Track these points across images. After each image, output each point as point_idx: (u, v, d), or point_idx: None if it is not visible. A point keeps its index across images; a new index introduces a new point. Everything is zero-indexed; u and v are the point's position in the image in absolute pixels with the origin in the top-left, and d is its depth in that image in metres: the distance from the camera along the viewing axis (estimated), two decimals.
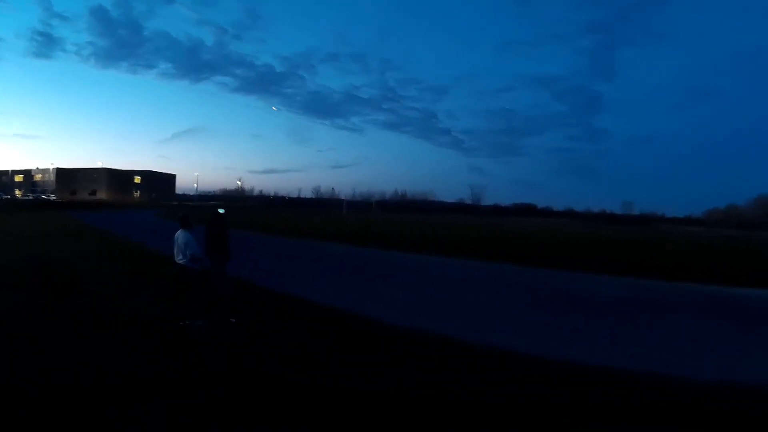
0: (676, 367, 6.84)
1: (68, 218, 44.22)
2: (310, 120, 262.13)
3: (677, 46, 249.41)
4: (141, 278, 12.15)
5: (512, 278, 15.55)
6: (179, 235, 8.47)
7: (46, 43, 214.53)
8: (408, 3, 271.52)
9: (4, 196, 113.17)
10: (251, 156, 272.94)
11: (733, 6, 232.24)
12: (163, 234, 22.36)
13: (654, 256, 24.43)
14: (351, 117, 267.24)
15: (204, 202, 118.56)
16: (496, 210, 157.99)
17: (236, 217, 51.41)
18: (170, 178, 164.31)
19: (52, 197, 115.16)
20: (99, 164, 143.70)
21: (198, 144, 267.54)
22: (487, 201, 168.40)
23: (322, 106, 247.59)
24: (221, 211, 9.42)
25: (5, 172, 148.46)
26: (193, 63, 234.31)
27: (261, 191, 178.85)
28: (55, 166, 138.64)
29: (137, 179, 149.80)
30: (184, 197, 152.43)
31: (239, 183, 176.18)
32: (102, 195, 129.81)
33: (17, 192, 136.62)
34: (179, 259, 8.45)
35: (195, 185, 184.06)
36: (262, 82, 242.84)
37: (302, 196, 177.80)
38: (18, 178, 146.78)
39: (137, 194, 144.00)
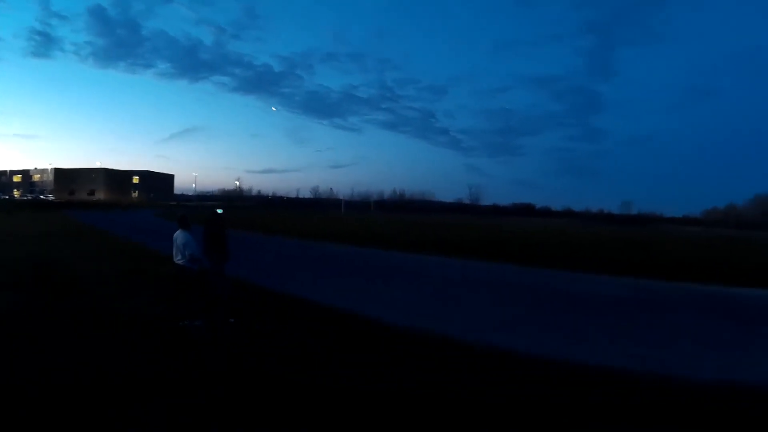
0: (676, 367, 6.84)
1: (67, 218, 44.21)
2: (308, 120, 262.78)
3: (676, 46, 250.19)
4: (140, 278, 12.13)
5: (512, 278, 15.54)
6: (178, 235, 8.46)
7: (44, 43, 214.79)
8: (406, 3, 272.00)
9: (3, 197, 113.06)
10: (250, 156, 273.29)
11: (732, 6, 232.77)
12: (161, 234, 22.37)
13: (653, 256, 24.44)
14: (349, 117, 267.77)
15: (202, 203, 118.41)
16: (495, 210, 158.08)
17: (235, 217, 51.41)
18: (169, 178, 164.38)
19: (51, 197, 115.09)
20: (97, 164, 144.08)
21: (196, 144, 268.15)
22: (486, 201, 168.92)
23: (320, 106, 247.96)
24: (220, 211, 9.41)
25: (4, 173, 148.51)
26: (191, 62, 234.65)
27: (259, 191, 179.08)
28: (54, 167, 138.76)
29: (135, 179, 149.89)
30: (183, 197, 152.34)
31: (238, 183, 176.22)
32: (100, 195, 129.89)
33: (16, 192, 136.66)
34: (178, 259, 8.44)
35: (193, 185, 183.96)
36: (260, 82, 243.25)
37: (301, 196, 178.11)
38: (16, 179, 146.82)
39: (136, 194, 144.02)
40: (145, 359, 6.32)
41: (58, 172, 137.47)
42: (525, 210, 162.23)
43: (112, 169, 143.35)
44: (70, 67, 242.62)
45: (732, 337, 8.91)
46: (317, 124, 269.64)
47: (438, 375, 6.20)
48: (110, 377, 5.62)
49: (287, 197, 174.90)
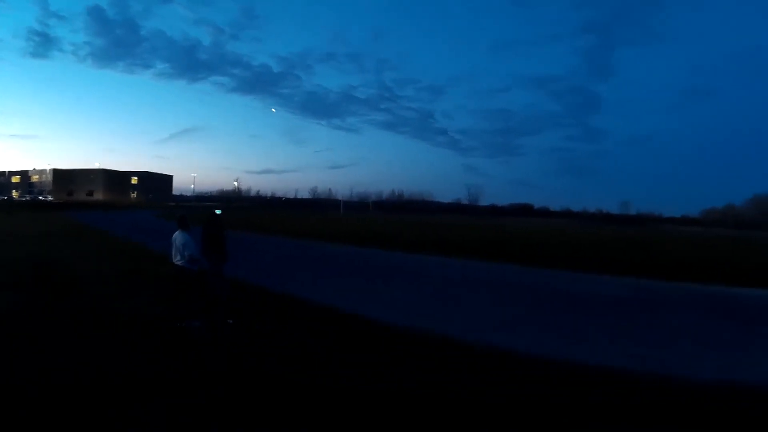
0: (676, 368, 6.84)
1: (65, 219, 44.16)
2: (306, 120, 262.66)
3: (675, 47, 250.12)
4: (139, 278, 12.12)
5: (511, 278, 15.53)
6: (177, 236, 8.45)
7: (42, 43, 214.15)
8: (405, 3, 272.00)
9: (1, 197, 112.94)
10: (248, 156, 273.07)
11: (731, 6, 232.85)
12: (160, 234, 22.35)
13: (653, 256, 24.44)
14: (348, 117, 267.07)
15: (201, 203, 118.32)
16: (493, 210, 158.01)
17: (233, 217, 51.40)
18: (167, 179, 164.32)
19: (49, 198, 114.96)
20: (96, 165, 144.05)
21: (195, 144, 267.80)
22: (484, 201, 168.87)
23: (318, 107, 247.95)
24: (218, 212, 9.41)
25: (2, 173, 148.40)
26: (190, 63, 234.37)
27: (258, 192, 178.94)
28: (52, 167, 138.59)
29: (134, 180, 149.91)
30: (181, 198, 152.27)
31: (236, 183, 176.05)
32: (99, 196, 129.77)
33: (14, 193, 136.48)
34: (177, 260, 8.43)
35: (192, 186, 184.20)
36: (259, 83, 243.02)
37: (299, 196, 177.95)
38: (15, 179, 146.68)
39: (134, 195, 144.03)
40: (145, 359, 6.31)
41: (56, 172, 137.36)
42: (523, 210, 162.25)
43: (110, 170, 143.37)
44: (68, 67, 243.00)
45: (732, 337, 8.91)
46: (316, 125, 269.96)
47: (438, 375, 6.20)
48: (110, 377, 5.61)
49: (286, 198, 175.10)
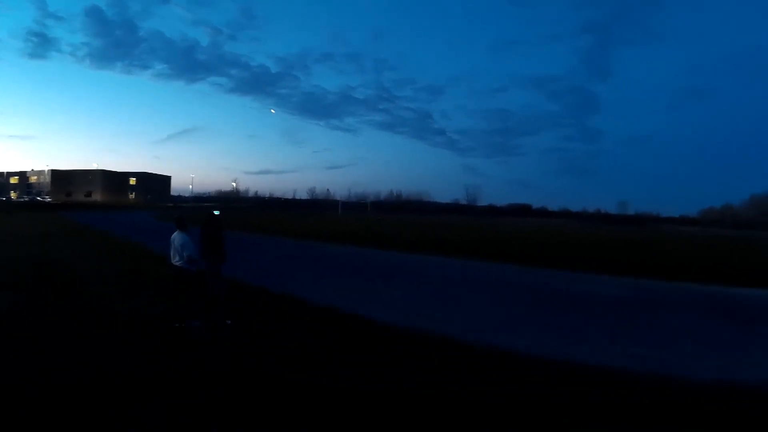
0: (676, 367, 6.85)
1: (64, 219, 44.12)
2: (305, 120, 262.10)
3: (673, 47, 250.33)
4: (138, 279, 12.11)
5: (511, 278, 15.55)
6: (175, 236, 8.44)
7: (41, 44, 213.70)
8: (403, 3, 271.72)
9: (0, 198, 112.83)
10: (246, 157, 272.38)
11: (729, 7, 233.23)
12: (158, 235, 22.34)
13: (651, 255, 24.47)
14: (346, 117, 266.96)
15: (199, 204, 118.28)
16: (492, 210, 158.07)
17: (232, 218, 51.37)
18: (165, 180, 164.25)
19: (48, 199, 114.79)
20: (94, 166, 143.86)
21: (193, 145, 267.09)
22: (483, 201, 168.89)
23: (317, 107, 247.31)
24: (216, 212, 9.40)
25: (1, 174, 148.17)
26: (188, 63, 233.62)
27: (256, 192, 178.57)
28: (51, 168, 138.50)
29: (132, 181, 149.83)
30: (180, 198, 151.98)
31: (234, 184, 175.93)
32: (97, 197, 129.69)
33: (12, 194, 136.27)
34: (176, 260, 8.42)
35: (190, 186, 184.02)
36: (257, 83, 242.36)
37: (297, 197, 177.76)
38: (13, 180, 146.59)
39: (132, 196, 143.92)
40: (144, 360, 6.31)
41: (55, 173, 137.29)
42: (522, 210, 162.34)
43: (109, 171, 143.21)
44: (66, 68, 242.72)
45: (731, 337, 8.93)
46: (314, 125, 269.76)
47: (438, 375, 6.20)
48: (109, 377, 5.61)
49: (284, 198, 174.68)
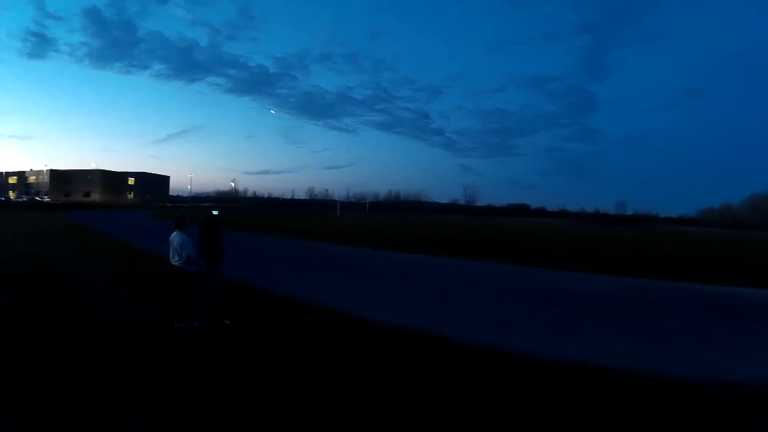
0: (674, 367, 6.85)
1: (62, 219, 44.07)
2: (303, 121, 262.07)
3: (671, 46, 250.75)
4: (136, 279, 12.10)
5: (510, 278, 15.54)
6: (174, 236, 8.42)
7: (39, 44, 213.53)
8: (401, 3, 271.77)
9: None
10: (245, 157, 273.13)
11: (727, 6, 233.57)
12: (157, 234, 22.30)
13: (650, 255, 24.50)
14: (344, 118, 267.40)
15: (198, 204, 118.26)
16: (490, 210, 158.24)
17: (230, 218, 51.40)
18: (164, 180, 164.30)
19: (46, 199, 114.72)
20: (93, 165, 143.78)
21: (192, 145, 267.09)
22: (481, 201, 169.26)
23: (315, 107, 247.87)
24: (215, 212, 9.39)
25: None
26: (186, 63, 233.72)
27: (255, 192, 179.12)
28: (49, 168, 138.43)
29: (131, 181, 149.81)
30: (178, 198, 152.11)
31: (233, 184, 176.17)
32: (96, 196, 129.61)
33: (11, 194, 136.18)
34: (175, 260, 8.40)
35: (189, 186, 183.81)
36: (255, 83, 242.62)
37: (296, 197, 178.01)
38: (12, 180, 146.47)
39: (131, 195, 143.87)
40: (143, 360, 6.30)
41: (53, 173, 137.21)
42: (520, 210, 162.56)
43: (107, 171, 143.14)
44: (65, 68, 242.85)
45: (729, 336, 8.92)
46: (312, 125, 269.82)
47: (437, 375, 6.19)
48: (109, 377, 5.60)
49: (283, 198, 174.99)
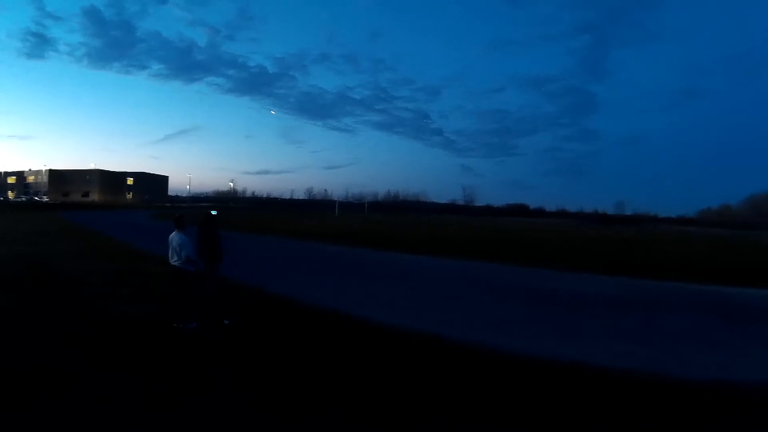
0: (673, 367, 6.85)
1: (62, 220, 44.04)
2: (302, 121, 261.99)
3: (669, 47, 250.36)
4: (134, 279, 12.10)
5: (509, 278, 15.56)
6: (174, 236, 8.41)
7: (38, 44, 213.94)
8: (400, 3, 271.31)
9: None
10: (244, 157, 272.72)
11: (726, 7, 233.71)
12: (155, 234, 22.30)
13: (649, 255, 24.51)
14: (343, 118, 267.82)
15: (196, 204, 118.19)
16: (489, 210, 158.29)
17: (229, 218, 51.37)
18: (163, 180, 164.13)
19: (45, 199, 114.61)
20: (92, 165, 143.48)
21: (191, 145, 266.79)
22: (480, 202, 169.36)
23: (314, 107, 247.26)
24: (214, 213, 9.39)
25: None
26: (185, 64, 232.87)
27: (254, 192, 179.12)
28: (48, 168, 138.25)
29: (130, 181, 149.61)
30: (177, 198, 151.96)
31: (232, 184, 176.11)
32: (95, 196, 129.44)
33: (10, 194, 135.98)
34: (174, 260, 8.39)
35: (188, 187, 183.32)
36: (254, 83, 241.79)
37: (295, 197, 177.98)
38: (11, 180, 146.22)
39: (130, 196, 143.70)
40: (143, 360, 6.29)
41: (52, 173, 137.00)
42: (519, 210, 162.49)
43: (106, 171, 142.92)
44: (64, 68, 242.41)
45: (727, 336, 8.93)
46: (311, 125, 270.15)
47: (436, 375, 6.19)
48: (109, 377, 5.60)
49: (281, 198, 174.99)
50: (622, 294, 12.99)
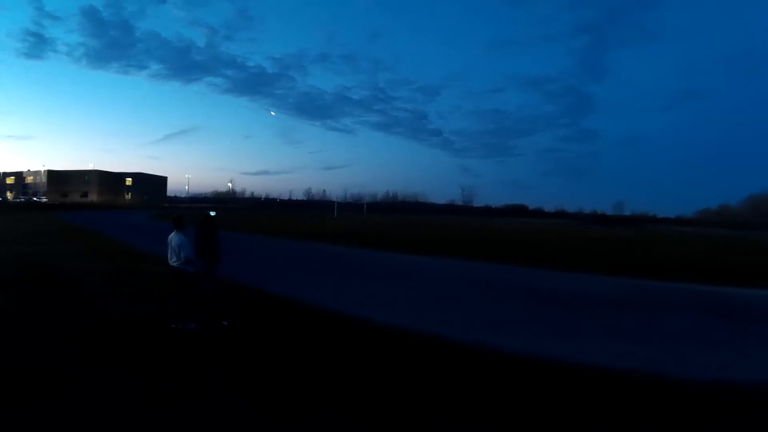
0: (673, 367, 6.86)
1: (61, 220, 44.01)
2: (301, 121, 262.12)
3: (669, 47, 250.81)
4: (133, 279, 12.08)
5: (509, 278, 15.56)
6: (173, 237, 8.40)
7: (37, 44, 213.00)
8: (399, 4, 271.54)
9: None
10: (243, 157, 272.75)
11: (725, 7, 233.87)
12: (153, 235, 22.29)
13: (648, 255, 24.51)
14: (342, 118, 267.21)
15: (195, 204, 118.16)
16: (488, 211, 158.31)
17: (228, 218, 51.34)
18: (162, 180, 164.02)
19: (44, 199, 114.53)
20: (90, 166, 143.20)
21: (190, 145, 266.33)
22: (479, 202, 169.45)
23: (313, 107, 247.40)
24: (212, 213, 9.39)
25: None
26: (184, 64, 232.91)
27: (252, 193, 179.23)
28: (47, 168, 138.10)
29: (129, 181, 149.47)
30: (175, 199, 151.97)
31: (230, 185, 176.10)
32: (93, 197, 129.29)
33: (9, 194, 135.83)
34: (173, 261, 8.38)
35: (186, 187, 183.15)
36: (253, 83, 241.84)
37: (294, 197, 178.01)
38: (10, 180, 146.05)
39: (128, 196, 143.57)
40: (143, 360, 6.29)
41: (51, 173, 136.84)
42: (518, 211, 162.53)
43: (105, 171, 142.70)
44: (63, 68, 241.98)
45: (728, 336, 8.93)
46: (310, 126, 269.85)
47: (436, 375, 6.19)
48: (109, 377, 5.60)
49: (280, 199, 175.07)
50: (622, 294, 12.99)
